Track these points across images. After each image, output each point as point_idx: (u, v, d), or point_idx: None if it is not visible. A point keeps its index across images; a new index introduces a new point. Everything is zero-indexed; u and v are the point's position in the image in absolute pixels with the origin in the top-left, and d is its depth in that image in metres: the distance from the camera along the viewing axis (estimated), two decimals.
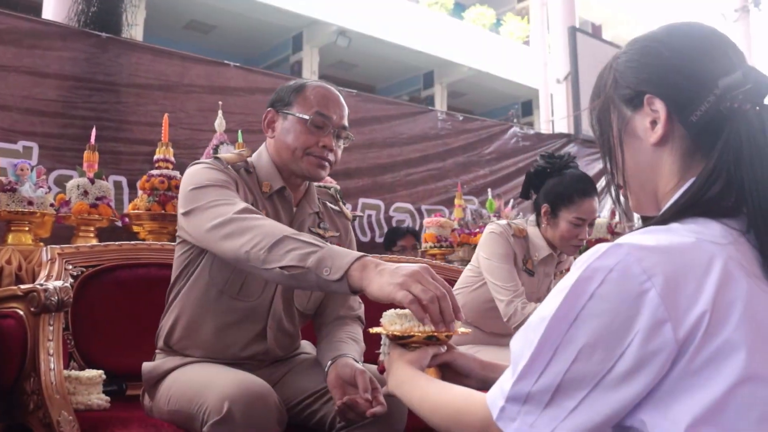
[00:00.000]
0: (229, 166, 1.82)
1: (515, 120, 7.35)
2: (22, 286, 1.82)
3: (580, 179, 2.57)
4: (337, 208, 2.08)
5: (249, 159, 1.92)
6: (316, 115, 1.84)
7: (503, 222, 2.70)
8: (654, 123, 0.94)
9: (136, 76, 4.69)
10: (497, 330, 2.68)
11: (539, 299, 2.71)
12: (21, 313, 1.78)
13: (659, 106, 0.93)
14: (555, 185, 2.59)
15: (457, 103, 16.31)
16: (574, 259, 2.69)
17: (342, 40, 13.35)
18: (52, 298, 1.71)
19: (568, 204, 2.54)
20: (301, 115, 1.84)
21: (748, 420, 0.76)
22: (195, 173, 1.76)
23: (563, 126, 8.51)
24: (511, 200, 5.93)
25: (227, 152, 3.57)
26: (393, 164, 6.02)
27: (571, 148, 7.30)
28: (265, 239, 1.50)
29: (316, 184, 2.03)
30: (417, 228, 5.67)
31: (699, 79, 0.91)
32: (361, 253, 1.46)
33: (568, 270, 2.86)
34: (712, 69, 0.91)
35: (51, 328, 1.73)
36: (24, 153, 4.11)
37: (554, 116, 8.59)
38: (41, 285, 1.73)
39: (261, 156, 1.93)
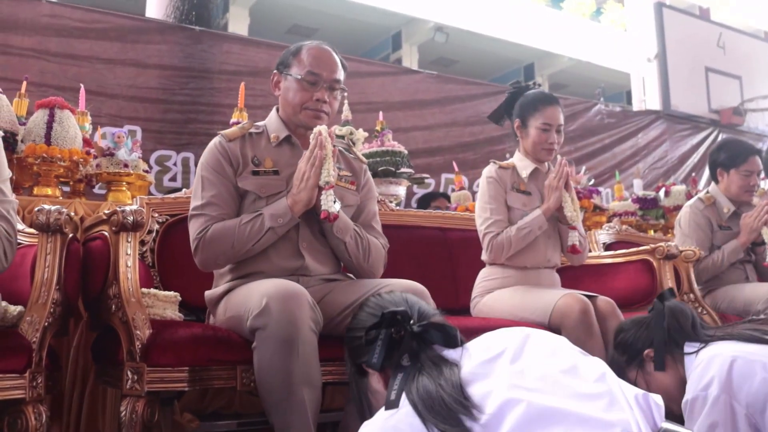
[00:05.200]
0: (230, 142, 2.20)
1: (601, 98, 7.30)
2: (106, 211, 2.17)
3: (542, 93, 2.96)
4: (352, 155, 2.41)
5: (258, 123, 2.30)
6: (308, 74, 2.17)
7: (493, 164, 2.95)
8: None
9: (226, 63, 5.10)
10: (528, 264, 2.83)
11: None
12: (106, 233, 2.11)
13: None
14: (521, 102, 2.94)
15: (560, 95, 16.04)
16: (552, 165, 2.94)
17: (440, 37, 13.40)
18: (129, 218, 2.03)
19: (534, 112, 2.86)
20: (296, 76, 2.18)
21: None
22: (204, 154, 2.22)
23: (655, 104, 8.36)
24: (593, 180, 5.96)
25: None
26: (475, 142, 6.17)
27: (660, 125, 7.21)
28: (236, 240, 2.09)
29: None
30: None
31: None
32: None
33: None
34: None
35: (129, 244, 2.06)
36: (129, 136, 4.58)
37: (646, 95, 8.48)
38: (120, 208, 2.06)
39: (272, 115, 2.31)
